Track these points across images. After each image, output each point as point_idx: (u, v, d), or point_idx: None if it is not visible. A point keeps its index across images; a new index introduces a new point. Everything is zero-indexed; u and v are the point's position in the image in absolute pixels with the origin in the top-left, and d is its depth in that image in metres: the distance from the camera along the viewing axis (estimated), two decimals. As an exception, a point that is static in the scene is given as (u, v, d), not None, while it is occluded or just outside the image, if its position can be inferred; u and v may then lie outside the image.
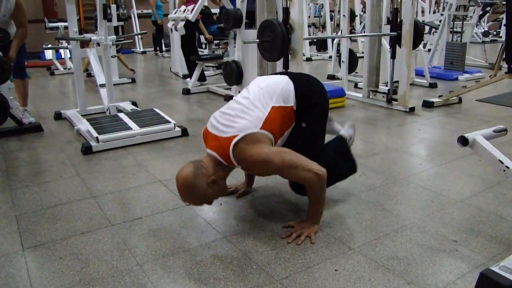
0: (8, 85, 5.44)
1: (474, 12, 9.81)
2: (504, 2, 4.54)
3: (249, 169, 2.34)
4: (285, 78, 2.38)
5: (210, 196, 2.19)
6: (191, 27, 6.41)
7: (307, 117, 2.37)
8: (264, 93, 2.29)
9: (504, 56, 4.47)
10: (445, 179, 3.07)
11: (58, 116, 4.84)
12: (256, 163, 2.15)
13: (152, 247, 2.21)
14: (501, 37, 12.96)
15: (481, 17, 11.91)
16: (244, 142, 2.13)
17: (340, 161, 2.61)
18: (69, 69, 8.03)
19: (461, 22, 7.88)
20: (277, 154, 2.14)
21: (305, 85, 2.43)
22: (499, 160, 2.13)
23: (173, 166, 3.35)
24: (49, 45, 8.64)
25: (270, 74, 2.62)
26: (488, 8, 11.85)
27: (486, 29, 13.83)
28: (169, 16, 6.18)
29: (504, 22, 4.94)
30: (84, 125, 4.10)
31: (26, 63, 4.53)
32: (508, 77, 4.49)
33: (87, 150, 3.66)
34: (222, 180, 2.24)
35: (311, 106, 2.39)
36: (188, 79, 6.56)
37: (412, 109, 4.94)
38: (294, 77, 2.44)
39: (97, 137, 3.70)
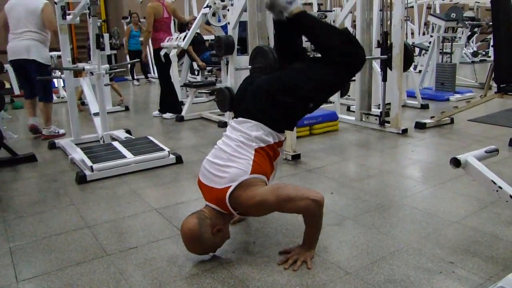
0: (2, 115, 5.46)
1: (462, 33, 9.98)
2: (491, 23, 4.63)
3: (248, 213, 2.36)
4: (252, 122, 2.35)
5: (216, 244, 2.26)
6: (166, 57, 6.37)
7: (309, 97, 2.42)
8: (243, 139, 2.31)
9: (493, 76, 4.54)
10: (439, 200, 3.08)
11: (52, 146, 4.83)
12: (253, 206, 2.17)
13: (148, 276, 2.20)
14: (490, 57, 13.15)
15: (469, 38, 12.12)
16: (239, 190, 2.17)
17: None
18: (63, 97, 8.06)
19: (450, 43, 8.01)
20: (271, 192, 2.16)
21: (278, 94, 2.37)
22: (492, 180, 2.15)
23: (168, 194, 3.34)
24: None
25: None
26: (475, 29, 12.07)
27: (475, 49, 14.05)
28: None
29: (492, 42, 5.04)
30: (78, 154, 4.09)
31: (21, 92, 4.67)
32: (498, 96, 4.55)
33: (81, 179, 3.65)
34: (225, 227, 2.29)
35: (302, 94, 2.38)
36: (166, 114, 6.42)
37: (405, 131, 4.98)
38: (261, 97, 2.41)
39: (91, 166, 3.70)
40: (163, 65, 6.36)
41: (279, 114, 2.37)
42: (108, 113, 4.94)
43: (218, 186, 2.22)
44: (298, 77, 2.39)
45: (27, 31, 5.01)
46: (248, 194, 2.15)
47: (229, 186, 2.17)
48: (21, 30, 4.99)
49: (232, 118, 2.54)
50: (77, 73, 5.32)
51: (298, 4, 2.42)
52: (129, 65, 11.20)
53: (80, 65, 4.85)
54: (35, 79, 4.89)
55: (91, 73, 4.53)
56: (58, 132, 5.41)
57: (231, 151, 2.28)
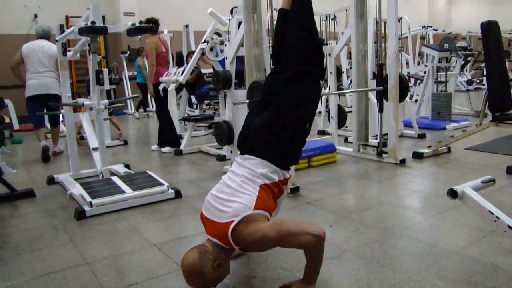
0: (1, 150, 5.48)
1: (456, 63, 10.12)
2: (482, 52, 4.71)
3: (249, 248, 2.34)
4: (257, 160, 2.41)
5: (216, 279, 2.24)
6: (164, 91, 6.44)
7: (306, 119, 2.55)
8: (248, 175, 2.35)
9: (487, 105, 4.59)
10: (439, 230, 3.08)
11: (51, 181, 4.84)
12: (254, 241, 2.17)
13: (147, 314, 2.18)
14: (484, 84, 13.29)
15: (463, 66, 12.27)
16: (241, 225, 2.17)
17: None
18: (62, 132, 8.08)
19: (444, 73, 8.12)
20: (272, 227, 2.17)
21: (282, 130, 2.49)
22: (489, 211, 2.16)
23: (168, 229, 3.34)
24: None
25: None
26: (469, 58, 12.24)
27: (469, 77, 14.21)
28: (160, 78, 6.31)
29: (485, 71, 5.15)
30: (77, 190, 4.10)
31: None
32: (493, 125, 4.59)
33: (80, 215, 3.64)
34: (226, 262, 2.28)
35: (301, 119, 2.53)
36: (165, 148, 6.42)
37: (402, 161, 5.00)
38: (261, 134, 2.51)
39: (90, 202, 3.70)
40: (162, 100, 6.42)
41: (284, 149, 2.44)
42: (107, 147, 4.96)
43: (221, 220, 2.23)
44: (293, 105, 2.50)
45: (47, 71, 6.09)
46: (250, 229, 2.16)
47: (232, 221, 2.18)
48: (43, 70, 6.06)
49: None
50: (77, 108, 5.37)
51: None
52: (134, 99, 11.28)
53: (80, 100, 4.90)
54: (55, 108, 5.84)
55: (91, 109, 4.58)
56: (61, 149, 6.55)
57: (236, 186, 2.31)
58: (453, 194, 2.23)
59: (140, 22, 3.77)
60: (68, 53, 4.90)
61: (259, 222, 2.19)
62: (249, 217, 2.19)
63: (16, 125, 7.92)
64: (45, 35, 6.28)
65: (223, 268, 2.24)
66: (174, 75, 6.73)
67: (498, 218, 2.16)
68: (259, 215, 2.23)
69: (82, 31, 3.93)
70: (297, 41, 2.60)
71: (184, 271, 2.20)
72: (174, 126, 6.59)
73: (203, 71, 8.76)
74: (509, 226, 2.14)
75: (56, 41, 4.71)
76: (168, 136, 6.42)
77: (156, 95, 6.39)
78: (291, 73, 2.55)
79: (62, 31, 4.71)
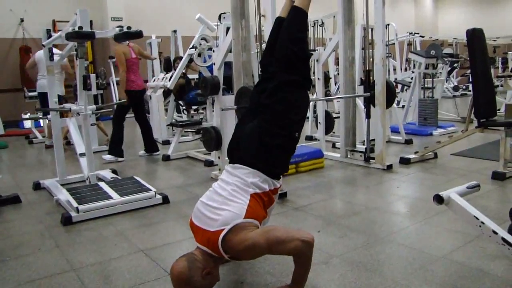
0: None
1: (443, 69, 10.23)
2: (468, 59, 4.77)
3: (239, 257, 2.34)
4: (247, 169, 2.42)
5: (206, 287, 2.22)
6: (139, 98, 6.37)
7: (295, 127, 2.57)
8: (239, 184, 2.35)
9: (473, 111, 4.65)
10: (425, 235, 3.10)
11: (37, 186, 4.79)
12: (244, 249, 2.17)
13: (134, 320, 2.17)
14: (470, 90, 13.40)
15: (449, 73, 12.44)
16: (231, 233, 2.17)
17: None
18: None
19: (431, 79, 8.21)
20: (261, 235, 2.17)
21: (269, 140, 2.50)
22: (474, 216, 2.19)
23: (155, 235, 3.32)
24: (28, 114, 8.69)
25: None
26: (455, 65, 12.39)
27: (455, 83, 14.38)
28: (148, 84, 6.30)
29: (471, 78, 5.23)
30: (63, 195, 4.06)
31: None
32: (478, 131, 4.66)
33: (66, 220, 3.61)
34: (215, 270, 2.27)
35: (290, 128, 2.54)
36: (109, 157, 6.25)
37: (389, 167, 5.03)
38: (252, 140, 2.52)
39: (77, 207, 3.67)
40: (138, 106, 6.37)
41: (273, 157, 2.45)
42: (94, 152, 4.93)
43: (210, 228, 2.22)
44: (280, 113, 2.52)
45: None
46: (239, 237, 2.15)
47: (222, 229, 2.17)
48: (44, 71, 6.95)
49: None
50: (63, 113, 5.33)
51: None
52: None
53: (67, 105, 4.87)
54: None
55: (78, 114, 4.55)
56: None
57: (227, 194, 2.31)
58: (439, 199, 2.25)
59: (128, 27, 3.77)
60: (55, 58, 4.86)
61: (248, 231, 2.19)
62: (239, 226, 2.19)
63: (1, 130, 7.85)
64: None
65: (212, 276, 2.23)
66: (162, 81, 6.71)
67: (483, 223, 2.18)
68: (249, 223, 2.23)
69: (69, 36, 3.91)
70: (285, 50, 2.61)
71: (173, 279, 2.19)
72: (150, 130, 6.57)
73: (190, 77, 8.76)
74: (493, 231, 2.16)
75: (43, 46, 4.68)
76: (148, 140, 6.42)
77: (135, 102, 6.30)
78: (277, 82, 2.56)
79: (49, 36, 4.68)
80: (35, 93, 8.78)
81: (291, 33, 2.65)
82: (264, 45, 4.01)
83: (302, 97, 2.66)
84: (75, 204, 3.71)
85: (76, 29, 3.85)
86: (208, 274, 2.19)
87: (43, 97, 7.17)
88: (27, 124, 9.49)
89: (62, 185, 4.64)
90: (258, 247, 2.15)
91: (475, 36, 4.57)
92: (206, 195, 2.41)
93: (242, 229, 2.18)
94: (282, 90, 2.55)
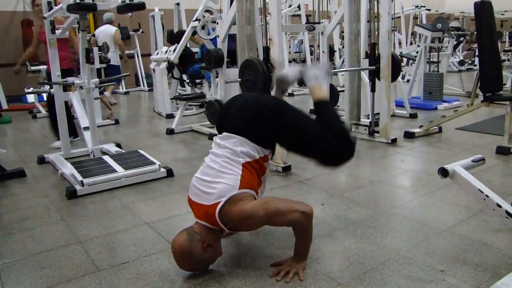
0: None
1: (449, 43, 10.11)
2: (475, 32, 4.70)
3: (238, 228, 2.36)
4: (236, 137, 2.37)
5: (207, 260, 2.26)
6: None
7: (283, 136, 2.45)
8: (229, 155, 2.32)
9: (479, 85, 4.61)
10: (429, 209, 3.11)
11: (42, 160, 4.81)
12: (242, 220, 2.18)
13: (140, 291, 2.19)
14: (476, 65, 13.29)
15: (455, 47, 12.26)
16: (228, 205, 2.17)
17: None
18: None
19: (437, 53, 8.11)
20: (260, 206, 2.17)
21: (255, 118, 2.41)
22: (479, 189, 2.18)
23: (160, 208, 3.34)
24: (31, 88, 8.64)
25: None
26: (461, 39, 12.22)
27: (461, 58, 14.21)
28: (151, 57, 6.24)
29: (477, 51, 5.14)
30: (68, 169, 4.08)
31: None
32: (484, 105, 4.62)
33: (71, 194, 3.63)
34: (216, 243, 2.29)
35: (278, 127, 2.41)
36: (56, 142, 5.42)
37: (394, 141, 5.02)
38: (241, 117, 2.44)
39: (81, 181, 3.69)
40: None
41: (264, 130, 2.38)
42: (98, 126, 4.93)
43: (207, 202, 2.22)
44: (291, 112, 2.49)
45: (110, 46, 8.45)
46: (237, 209, 2.16)
47: (218, 202, 2.18)
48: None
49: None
50: (67, 87, 5.30)
51: (324, 87, 2.56)
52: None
53: (70, 79, 4.84)
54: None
55: (81, 87, 4.53)
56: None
57: (219, 167, 2.29)
58: (444, 172, 2.25)
59: (131, -1, 3.72)
60: (56, 31, 4.82)
61: (246, 201, 2.20)
62: (235, 197, 2.19)
63: (4, 105, 7.84)
64: (109, 21, 9.09)
65: (213, 248, 2.25)
66: (165, 54, 6.66)
67: (487, 196, 2.18)
68: (245, 194, 2.23)
69: (71, 8, 3.86)
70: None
71: (174, 253, 2.22)
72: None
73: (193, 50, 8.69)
74: (498, 205, 2.16)
75: (44, 18, 4.62)
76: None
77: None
78: None
79: (50, 8, 4.62)
80: (38, 67, 8.76)
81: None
82: (268, 18, 3.97)
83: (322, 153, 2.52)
84: (79, 178, 3.73)
85: (78, 0, 3.80)
86: (209, 247, 2.21)
87: (110, 69, 8.33)
88: (30, 98, 9.46)
89: (66, 159, 4.66)
90: (256, 218, 2.16)
91: (483, 9, 4.48)
92: (200, 170, 2.39)
93: (238, 200, 2.19)
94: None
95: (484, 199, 2.19)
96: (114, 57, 8.66)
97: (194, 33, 6.59)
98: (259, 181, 2.38)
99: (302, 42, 11.25)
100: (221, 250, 2.36)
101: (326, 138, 2.42)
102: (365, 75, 5.70)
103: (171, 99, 7.58)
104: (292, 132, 2.40)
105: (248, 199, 2.22)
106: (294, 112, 2.50)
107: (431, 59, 8.02)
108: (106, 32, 8.93)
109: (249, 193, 2.26)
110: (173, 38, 7.86)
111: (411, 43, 12.80)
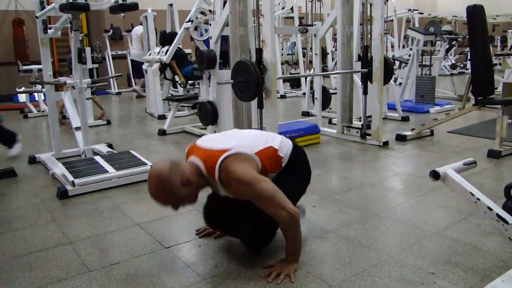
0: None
1: (441, 47, 10.17)
2: (467, 36, 4.74)
3: (228, 185, 2.24)
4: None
5: (180, 198, 2.18)
6: None
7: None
8: (262, 136, 2.42)
9: (471, 89, 4.64)
10: (420, 211, 3.12)
11: (33, 160, 4.77)
12: (237, 180, 2.15)
13: (130, 292, 2.18)
14: (468, 69, 13.39)
15: (447, 50, 12.36)
16: (234, 158, 2.17)
17: None
18: (43, 111, 7.98)
19: (429, 57, 8.16)
20: (259, 180, 2.16)
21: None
22: (470, 192, 2.19)
23: (151, 209, 3.32)
24: (23, 88, 8.61)
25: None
26: (453, 42, 12.31)
27: (453, 62, 14.30)
28: (144, 57, 6.23)
29: (469, 55, 5.20)
30: (59, 169, 4.05)
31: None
32: (475, 109, 4.65)
33: (62, 194, 3.61)
34: (196, 187, 2.23)
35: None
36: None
37: (386, 143, 5.04)
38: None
39: (73, 181, 3.66)
40: None
41: None
42: (89, 127, 4.90)
43: (215, 148, 2.23)
44: None
45: (135, 46, 10.43)
46: (240, 168, 2.15)
47: (228, 149, 2.18)
48: (133, 45, 10.56)
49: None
50: (58, 87, 5.27)
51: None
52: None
53: (62, 79, 4.82)
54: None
55: (73, 87, 4.50)
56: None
57: (246, 135, 2.42)
58: (435, 175, 2.25)
59: (124, -1, 3.71)
60: (49, 30, 4.79)
61: (251, 169, 2.19)
62: (245, 156, 2.20)
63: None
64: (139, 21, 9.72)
65: (190, 189, 2.17)
66: (158, 55, 6.65)
67: (478, 199, 2.19)
68: (255, 160, 2.24)
69: (63, 8, 3.85)
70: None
71: (150, 177, 2.12)
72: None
73: (186, 51, 8.68)
74: (489, 208, 2.17)
75: (36, 17, 4.59)
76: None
77: None
78: None
79: (43, 8, 4.59)
80: (29, 67, 8.71)
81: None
82: (261, 20, 3.97)
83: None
84: (71, 178, 3.70)
85: (71, 0, 3.78)
86: (187, 184, 2.15)
87: (135, 66, 9.98)
88: (22, 98, 9.41)
89: (57, 159, 4.63)
90: (249, 188, 2.14)
91: (475, 13, 4.52)
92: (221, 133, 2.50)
93: (246, 161, 2.19)
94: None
95: (475, 202, 2.20)
96: (139, 55, 9.70)
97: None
98: (270, 168, 2.36)
99: (295, 45, 11.26)
100: (197, 199, 2.28)
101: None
102: (357, 78, 5.72)
103: (163, 100, 7.56)
104: None
105: (254, 167, 2.22)
106: None
107: (423, 63, 8.07)
108: (136, 32, 10.28)
109: (258, 163, 2.26)
110: (165, 39, 7.84)
111: (403, 46, 12.85)
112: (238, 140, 2.32)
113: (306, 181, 2.59)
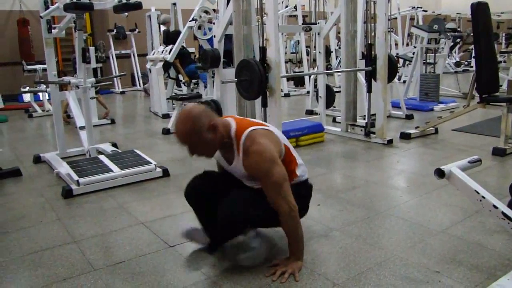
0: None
1: (445, 44, 10.13)
2: (472, 34, 4.72)
3: (246, 154, 2.23)
4: None
5: (201, 140, 2.18)
6: None
7: None
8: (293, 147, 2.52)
9: (475, 87, 4.62)
10: (425, 210, 3.11)
11: (37, 160, 4.79)
12: (258, 152, 2.18)
13: (135, 291, 2.19)
14: (472, 66, 13.34)
15: (452, 48, 12.30)
16: (265, 132, 2.28)
17: None
18: (48, 111, 8.00)
19: (433, 54, 8.13)
20: (277, 163, 2.20)
21: None
22: (475, 190, 2.19)
23: (155, 208, 3.33)
24: (27, 88, 8.63)
25: None
26: (458, 40, 12.26)
27: (457, 59, 14.25)
28: (147, 56, 6.24)
29: (474, 53, 5.18)
30: (64, 168, 4.07)
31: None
32: (480, 106, 4.63)
33: (67, 193, 3.62)
34: (219, 138, 2.23)
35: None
36: None
37: (390, 142, 5.03)
38: None
39: (77, 180, 3.68)
40: None
41: None
42: (94, 126, 4.91)
43: (254, 121, 2.38)
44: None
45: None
46: (267, 142, 2.22)
47: (262, 124, 2.33)
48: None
49: None
50: (63, 87, 5.29)
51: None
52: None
53: (66, 78, 4.83)
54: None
55: (77, 87, 4.52)
56: None
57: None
58: (440, 173, 2.25)
59: (127, -2, 3.72)
60: (53, 30, 4.80)
61: (275, 152, 2.23)
62: (276, 138, 2.32)
63: (0, 104, 7.82)
64: (163, 22, 9.07)
65: (214, 136, 2.19)
66: (162, 53, 6.66)
67: (483, 197, 2.18)
68: (281, 149, 2.31)
69: (67, 8, 3.85)
70: None
71: (181, 113, 2.19)
72: None
73: (190, 50, 8.69)
74: (494, 206, 2.17)
75: (41, 17, 4.61)
76: None
77: None
78: None
79: (47, 7, 4.60)
80: (33, 67, 8.73)
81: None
82: (265, 18, 3.97)
83: None
84: (75, 177, 3.71)
85: (74, 0, 3.79)
86: (213, 130, 2.18)
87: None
88: (26, 97, 9.44)
89: (62, 158, 4.64)
90: (265, 165, 2.17)
91: (479, 10, 4.50)
92: None
93: (275, 142, 2.28)
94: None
95: (480, 200, 2.19)
96: None
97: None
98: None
99: (299, 43, 11.25)
100: (214, 154, 2.35)
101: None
102: (361, 76, 5.71)
103: (167, 99, 7.57)
104: None
105: (277, 151, 2.26)
106: None
107: (428, 60, 8.04)
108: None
109: (282, 151, 2.33)
110: (169, 38, 7.85)
111: (407, 44, 12.82)
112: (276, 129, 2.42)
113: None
